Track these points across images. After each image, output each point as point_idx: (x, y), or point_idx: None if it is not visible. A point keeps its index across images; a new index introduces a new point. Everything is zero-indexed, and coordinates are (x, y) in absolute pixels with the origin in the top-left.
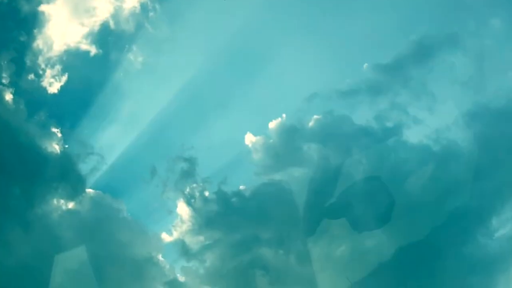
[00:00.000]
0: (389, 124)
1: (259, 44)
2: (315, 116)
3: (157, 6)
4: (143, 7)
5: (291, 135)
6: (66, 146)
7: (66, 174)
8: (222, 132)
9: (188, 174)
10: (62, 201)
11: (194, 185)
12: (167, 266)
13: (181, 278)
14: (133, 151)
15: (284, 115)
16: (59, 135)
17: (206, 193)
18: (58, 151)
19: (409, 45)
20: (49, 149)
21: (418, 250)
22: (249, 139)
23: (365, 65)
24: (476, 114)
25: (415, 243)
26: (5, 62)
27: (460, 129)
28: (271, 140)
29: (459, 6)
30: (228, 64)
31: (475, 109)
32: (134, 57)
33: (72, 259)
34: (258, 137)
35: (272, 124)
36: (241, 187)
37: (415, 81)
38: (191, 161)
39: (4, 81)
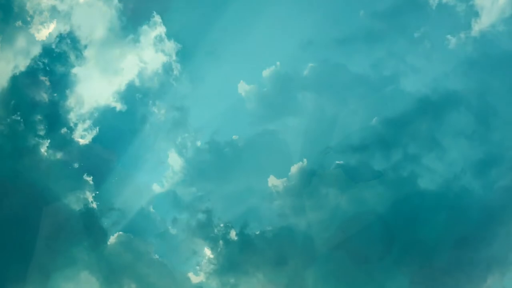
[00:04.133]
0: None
1: (278, 97)
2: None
3: (178, 65)
4: (166, 66)
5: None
6: (97, 192)
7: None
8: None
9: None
10: None
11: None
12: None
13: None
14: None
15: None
16: (91, 182)
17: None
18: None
19: None
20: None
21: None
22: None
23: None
24: None
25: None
26: (41, 118)
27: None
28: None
29: None
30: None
31: None
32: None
33: None
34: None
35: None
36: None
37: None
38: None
39: (40, 133)
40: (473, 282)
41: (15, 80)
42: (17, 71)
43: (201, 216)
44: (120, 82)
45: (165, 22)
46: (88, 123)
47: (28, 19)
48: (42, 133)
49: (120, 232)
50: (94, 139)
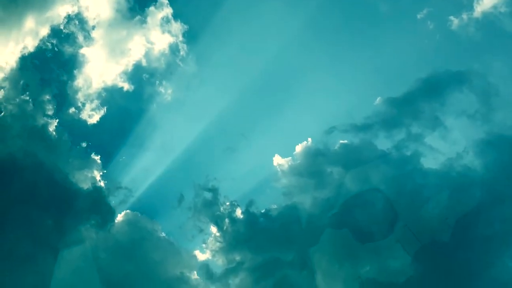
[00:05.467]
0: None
1: (282, 80)
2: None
3: (185, 46)
4: (172, 47)
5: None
6: (105, 171)
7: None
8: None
9: (211, 203)
10: None
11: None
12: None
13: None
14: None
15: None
16: (99, 161)
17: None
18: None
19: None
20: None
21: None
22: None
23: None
24: None
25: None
26: (50, 98)
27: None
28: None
29: None
30: (254, 98)
31: None
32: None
33: None
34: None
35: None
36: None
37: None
38: (213, 191)
39: (48, 113)
40: (474, 259)
41: (24, 60)
42: (26, 52)
43: (207, 195)
44: (127, 63)
45: (172, 3)
46: (96, 103)
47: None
48: (50, 112)
49: (128, 211)
50: (102, 119)
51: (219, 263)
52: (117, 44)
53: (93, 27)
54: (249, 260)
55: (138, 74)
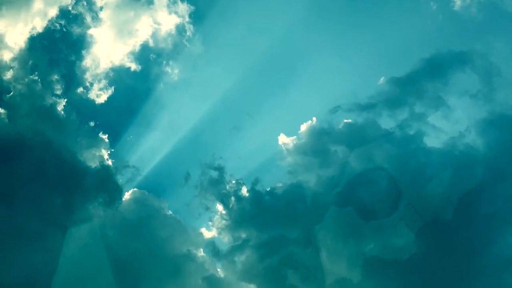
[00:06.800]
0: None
1: (288, 60)
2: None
3: (191, 27)
4: (179, 28)
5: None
6: (112, 150)
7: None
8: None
9: (217, 181)
10: None
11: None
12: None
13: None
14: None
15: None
16: (107, 140)
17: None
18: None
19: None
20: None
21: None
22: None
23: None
24: None
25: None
26: (58, 78)
27: None
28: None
29: None
30: (260, 78)
31: None
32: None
33: None
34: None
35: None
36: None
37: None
38: (219, 169)
39: (57, 92)
40: (477, 236)
41: (32, 41)
42: (34, 32)
43: (213, 173)
44: (134, 43)
45: None
46: (103, 82)
47: None
48: (59, 92)
49: (135, 189)
50: (110, 98)
51: (225, 241)
52: (125, 24)
53: (101, 8)
54: (254, 237)
55: (145, 55)
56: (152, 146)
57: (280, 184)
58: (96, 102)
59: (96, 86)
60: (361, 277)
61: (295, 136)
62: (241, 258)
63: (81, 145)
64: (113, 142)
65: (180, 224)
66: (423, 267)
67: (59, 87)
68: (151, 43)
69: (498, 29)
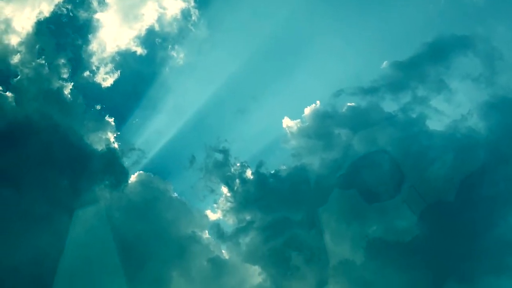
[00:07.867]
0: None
1: (292, 43)
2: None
3: (197, 11)
4: (184, 12)
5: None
6: (118, 133)
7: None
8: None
9: (222, 164)
10: None
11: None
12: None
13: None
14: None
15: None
16: (113, 123)
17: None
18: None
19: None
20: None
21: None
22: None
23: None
24: None
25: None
26: (65, 61)
27: None
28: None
29: None
30: (264, 62)
31: None
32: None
33: None
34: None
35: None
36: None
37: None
38: (224, 152)
39: (64, 76)
40: (479, 218)
41: (40, 25)
42: (41, 17)
43: (218, 156)
44: (140, 28)
45: None
46: (110, 66)
47: None
48: (65, 76)
49: (141, 171)
50: (116, 82)
51: (230, 223)
52: (131, 9)
53: None
54: (259, 219)
55: (151, 39)
56: (158, 129)
57: (284, 167)
58: (103, 86)
59: (102, 70)
60: (364, 258)
61: (299, 119)
62: (245, 240)
63: (88, 128)
64: (119, 125)
65: (185, 206)
66: (425, 249)
67: (65, 71)
68: (156, 28)
69: (500, 13)
